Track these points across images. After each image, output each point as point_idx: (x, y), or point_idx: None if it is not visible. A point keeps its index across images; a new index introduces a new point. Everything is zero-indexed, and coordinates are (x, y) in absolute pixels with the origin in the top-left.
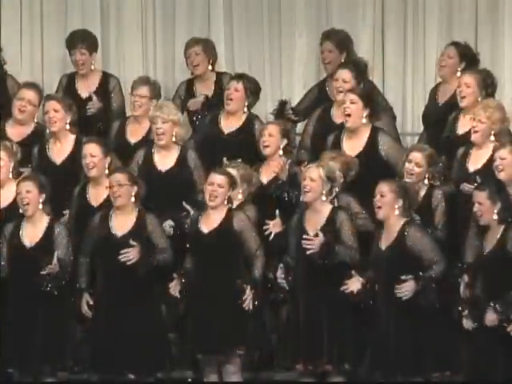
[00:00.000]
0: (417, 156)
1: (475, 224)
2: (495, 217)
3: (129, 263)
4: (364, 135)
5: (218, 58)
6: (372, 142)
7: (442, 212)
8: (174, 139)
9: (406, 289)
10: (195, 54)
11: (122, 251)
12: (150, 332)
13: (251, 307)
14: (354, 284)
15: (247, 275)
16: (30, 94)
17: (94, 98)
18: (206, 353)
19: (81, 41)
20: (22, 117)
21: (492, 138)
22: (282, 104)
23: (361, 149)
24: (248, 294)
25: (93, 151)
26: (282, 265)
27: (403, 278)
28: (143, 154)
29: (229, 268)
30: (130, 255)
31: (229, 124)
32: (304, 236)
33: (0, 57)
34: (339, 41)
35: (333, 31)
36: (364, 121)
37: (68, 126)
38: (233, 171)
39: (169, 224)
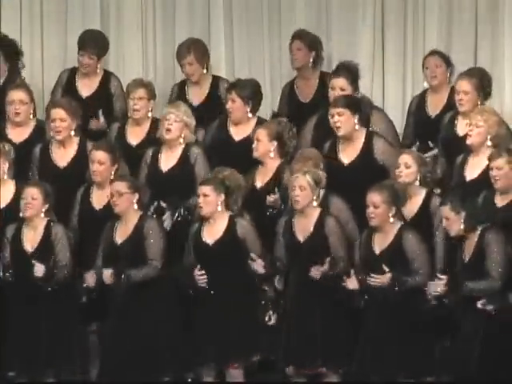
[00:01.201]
0: (405, 157)
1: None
2: (462, 226)
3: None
4: (359, 140)
5: (210, 58)
6: (367, 146)
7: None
8: (181, 140)
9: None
10: (189, 65)
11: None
12: (154, 335)
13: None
14: (352, 283)
15: (262, 292)
16: (19, 95)
17: (102, 119)
18: (220, 362)
19: (92, 46)
20: (20, 118)
21: (489, 142)
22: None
23: (356, 154)
24: (270, 316)
25: (101, 158)
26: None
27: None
28: (151, 153)
29: (237, 275)
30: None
31: (238, 131)
32: (313, 268)
33: (20, 61)
34: (309, 40)
35: (302, 31)
36: (357, 127)
37: (73, 133)
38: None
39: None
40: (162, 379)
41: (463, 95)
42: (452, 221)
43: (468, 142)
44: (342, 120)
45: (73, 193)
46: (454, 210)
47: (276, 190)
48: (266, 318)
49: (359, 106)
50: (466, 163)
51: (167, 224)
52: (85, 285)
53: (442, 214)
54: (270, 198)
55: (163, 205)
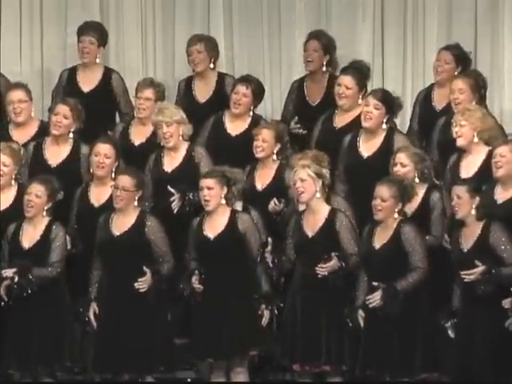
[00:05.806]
0: (400, 156)
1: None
2: (473, 212)
3: (142, 290)
4: (380, 135)
5: (219, 56)
6: (387, 141)
7: (438, 217)
8: (181, 138)
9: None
10: (197, 52)
11: (136, 283)
12: (151, 332)
13: (267, 320)
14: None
15: (258, 289)
16: (18, 94)
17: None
18: (219, 357)
19: (93, 30)
20: (21, 118)
21: (476, 139)
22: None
23: (376, 148)
24: (263, 311)
25: (108, 152)
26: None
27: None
28: (154, 157)
29: (237, 270)
30: (143, 284)
31: (235, 126)
32: (319, 265)
33: None
34: (325, 43)
35: (321, 32)
36: (384, 126)
37: (71, 135)
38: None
39: None
40: (155, 374)
41: (459, 94)
42: (464, 202)
43: (458, 143)
44: (376, 114)
45: (64, 191)
46: (469, 192)
47: (283, 201)
48: (259, 312)
49: (394, 108)
50: (460, 163)
51: (175, 205)
52: None
53: (455, 192)
54: (276, 208)
55: (172, 190)
